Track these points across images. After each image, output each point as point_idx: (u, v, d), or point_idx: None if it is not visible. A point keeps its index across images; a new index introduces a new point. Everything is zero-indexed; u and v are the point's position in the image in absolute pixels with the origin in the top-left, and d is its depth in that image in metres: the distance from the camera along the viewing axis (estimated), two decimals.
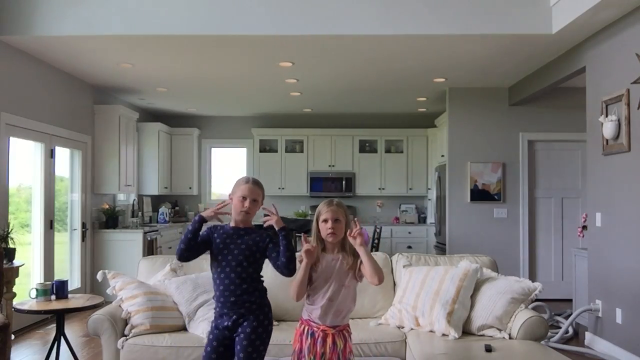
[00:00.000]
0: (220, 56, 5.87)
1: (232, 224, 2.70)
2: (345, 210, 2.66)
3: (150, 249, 7.60)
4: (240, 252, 2.62)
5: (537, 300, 4.33)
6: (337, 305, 2.58)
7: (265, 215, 2.66)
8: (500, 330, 3.39)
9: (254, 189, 2.67)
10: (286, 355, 3.30)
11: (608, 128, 4.69)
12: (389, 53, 5.73)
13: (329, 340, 2.56)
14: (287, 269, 2.60)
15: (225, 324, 2.62)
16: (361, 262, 2.59)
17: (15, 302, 4.42)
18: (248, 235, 2.66)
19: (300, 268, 2.58)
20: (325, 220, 2.60)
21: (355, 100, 8.43)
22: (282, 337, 3.41)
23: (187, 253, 2.64)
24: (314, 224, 2.67)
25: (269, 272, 3.84)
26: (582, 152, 7.01)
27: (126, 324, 3.41)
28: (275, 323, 3.65)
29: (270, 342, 3.33)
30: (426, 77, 6.87)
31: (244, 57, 5.87)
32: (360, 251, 2.54)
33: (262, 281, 2.72)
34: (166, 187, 9.30)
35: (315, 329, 2.58)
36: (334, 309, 2.58)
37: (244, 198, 2.64)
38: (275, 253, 2.62)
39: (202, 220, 2.65)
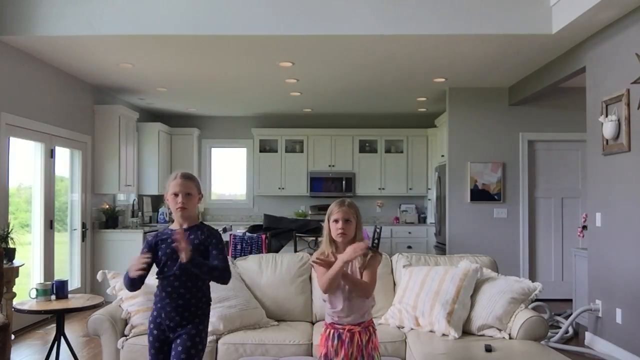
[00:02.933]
0: (220, 56, 5.87)
1: (176, 226, 2.61)
2: (357, 211, 2.65)
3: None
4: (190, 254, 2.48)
5: (537, 300, 4.34)
6: (357, 304, 2.58)
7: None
8: (500, 330, 3.39)
9: (183, 182, 2.58)
10: (286, 355, 3.31)
11: (608, 128, 4.69)
12: (389, 53, 5.73)
13: (356, 338, 2.55)
14: (221, 280, 2.52)
15: (168, 324, 2.54)
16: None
17: (15, 302, 4.42)
18: (194, 234, 2.56)
19: (336, 266, 2.48)
20: (336, 221, 2.59)
21: (355, 100, 8.43)
22: (282, 337, 3.41)
23: (135, 289, 2.58)
24: (325, 223, 2.66)
25: (268, 272, 3.86)
26: (582, 152, 7.01)
27: (126, 324, 3.42)
28: (274, 323, 3.68)
29: (270, 342, 3.36)
30: (426, 77, 6.87)
31: (244, 57, 5.87)
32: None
33: (209, 291, 2.63)
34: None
35: (341, 330, 2.57)
36: (355, 307, 2.58)
37: (176, 195, 2.56)
38: (212, 257, 2.54)
39: (131, 278, 2.50)
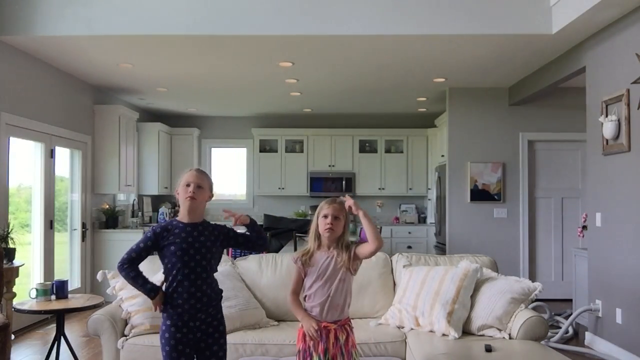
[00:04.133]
0: (220, 56, 5.87)
1: (183, 220, 2.59)
2: (346, 210, 2.68)
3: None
4: (206, 248, 2.54)
5: (537, 300, 4.34)
6: (334, 301, 2.62)
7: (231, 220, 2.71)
8: (500, 330, 3.39)
9: (197, 175, 2.60)
10: (286, 355, 3.31)
11: (608, 128, 4.69)
12: (389, 53, 5.73)
13: (332, 335, 2.59)
14: (262, 244, 2.74)
15: (193, 325, 2.53)
16: (354, 253, 2.63)
17: (15, 302, 4.42)
18: (206, 229, 2.59)
19: (300, 319, 2.66)
20: (325, 216, 2.64)
21: (355, 100, 8.43)
22: (282, 337, 3.41)
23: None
24: (314, 219, 2.71)
25: (268, 272, 3.86)
26: (582, 152, 7.01)
27: (126, 324, 3.42)
28: (274, 323, 3.68)
29: (270, 342, 3.36)
30: (426, 77, 6.87)
31: (244, 57, 5.87)
32: (360, 215, 2.61)
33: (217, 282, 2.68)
34: (166, 187, 9.30)
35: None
36: (332, 304, 2.61)
37: (188, 185, 2.57)
38: (242, 238, 2.68)
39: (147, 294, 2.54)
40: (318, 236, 2.68)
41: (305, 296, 2.67)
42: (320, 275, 2.62)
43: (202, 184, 2.60)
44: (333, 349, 2.57)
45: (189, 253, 2.52)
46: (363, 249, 2.63)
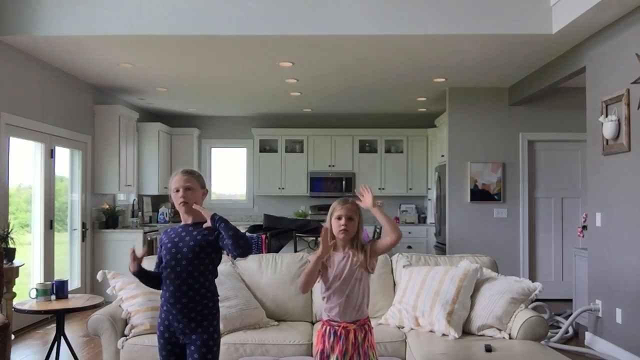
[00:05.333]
0: (220, 56, 5.87)
1: (182, 222, 2.60)
2: (359, 210, 2.68)
3: (150, 249, 7.60)
4: (189, 249, 2.48)
5: (537, 300, 4.34)
6: (353, 301, 2.60)
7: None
8: (500, 330, 3.39)
9: (184, 177, 2.56)
10: (286, 355, 3.31)
11: (608, 128, 4.69)
12: (389, 53, 5.73)
13: (351, 335, 2.58)
14: (238, 247, 2.39)
15: (177, 326, 2.49)
16: (371, 255, 2.62)
17: (15, 302, 4.43)
18: (197, 230, 2.52)
19: (312, 260, 2.57)
20: (339, 217, 2.63)
21: (355, 100, 8.44)
22: (282, 337, 3.41)
23: (152, 284, 2.62)
24: (327, 220, 2.68)
25: (268, 272, 3.86)
26: (582, 152, 7.01)
27: (126, 324, 3.42)
28: (274, 323, 3.68)
29: (270, 342, 3.36)
30: (426, 77, 6.87)
31: (244, 57, 5.87)
32: (375, 212, 2.62)
33: (214, 287, 2.57)
34: (166, 187, 9.23)
35: (337, 327, 2.60)
36: (351, 304, 2.60)
37: (177, 190, 2.55)
38: (225, 239, 2.46)
39: (137, 270, 2.54)
40: (333, 238, 2.65)
41: (324, 297, 2.65)
42: (337, 276, 2.60)
43: (191, 185, 2.57)
44: (352, 349, 2.56)
45: (171, 252, 2.51)
46: (382, 243, 2.62)
